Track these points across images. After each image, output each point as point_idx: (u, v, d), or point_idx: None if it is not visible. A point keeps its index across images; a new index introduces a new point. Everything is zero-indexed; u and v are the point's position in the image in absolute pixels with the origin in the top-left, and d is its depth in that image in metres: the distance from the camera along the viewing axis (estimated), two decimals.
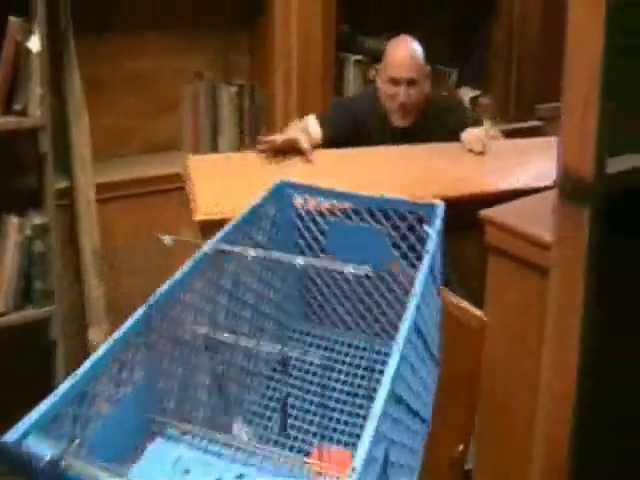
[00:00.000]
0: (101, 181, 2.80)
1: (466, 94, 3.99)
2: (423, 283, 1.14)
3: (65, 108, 2.69)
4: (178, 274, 1.13)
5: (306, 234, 1.50)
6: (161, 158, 3.16)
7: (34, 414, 0.85)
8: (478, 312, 1.53)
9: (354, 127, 2.85)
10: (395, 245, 1.41)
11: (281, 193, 1.50)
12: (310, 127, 2.82)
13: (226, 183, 2.50)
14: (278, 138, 2.71)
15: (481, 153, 2.77)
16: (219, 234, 1.25)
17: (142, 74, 3.15)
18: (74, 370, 0.94)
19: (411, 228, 1.41)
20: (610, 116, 1.07)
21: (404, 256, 1.42)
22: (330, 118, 2.88)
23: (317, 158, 2.68)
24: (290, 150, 2.67)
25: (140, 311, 1.05)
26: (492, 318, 1.64)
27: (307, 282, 1.54)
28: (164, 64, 3.20)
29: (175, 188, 2.73)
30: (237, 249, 1.13)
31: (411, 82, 2.80)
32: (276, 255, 1.12)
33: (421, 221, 1.40)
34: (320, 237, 1.48)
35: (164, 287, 1.10)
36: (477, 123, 3.02)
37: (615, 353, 1.19)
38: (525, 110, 4.17)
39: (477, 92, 4.03)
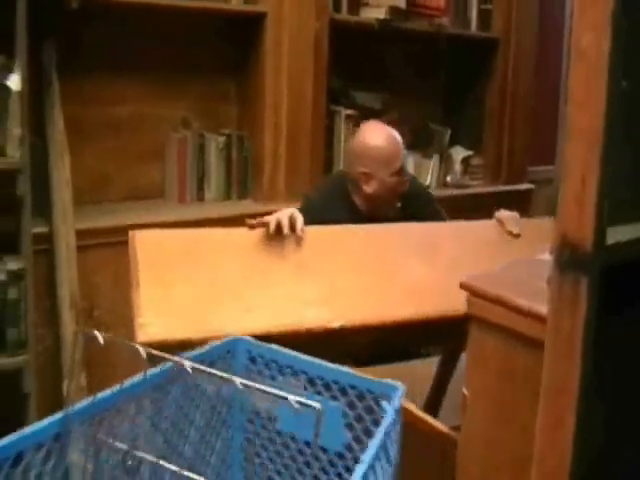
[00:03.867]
0: (80, 227, 2.73)
1: (458, 154, 3.99)
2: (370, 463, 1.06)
3: (46, 150, 2.64)
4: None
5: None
6: (143, 206, 3.11)
7: None
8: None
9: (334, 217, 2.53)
10: (349, 425, 1.33)
11: (234, 348, 1.44)
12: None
13: (182, 281, 1.98)
14: (272, 221, 2.20)
15: (518, 236, 2.56)
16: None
17: (126, 119, 3.12)
18: None
19: (369, 410, 1.32)
20: (611, 183, 1.02)
21: (357, 439, 1.33)
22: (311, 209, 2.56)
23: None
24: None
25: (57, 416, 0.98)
26: (474, 390, 1.58)
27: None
28: (149, 110, 3.18)
29: None
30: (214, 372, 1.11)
31: (402, 169, 2.64)
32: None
33: (378, 403, 1.33)
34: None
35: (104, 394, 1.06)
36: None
37: (611, 426, 1.14)
38: (517, 172, 4.17)
39: (469, 152, 4.02)
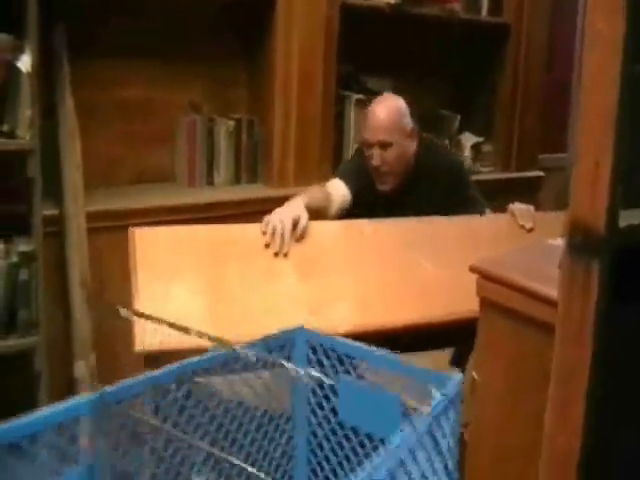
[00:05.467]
0: (91, 209, 2.73)
1: (468, 140, 3.98)
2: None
3: (57, 132, 2.63)
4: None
5: (317, 389, 1.42)
6: (153, 189, 3.11)
7: None
8: None
9: (365, 186, 2.67)
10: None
11: (296, 338, 1.43)
12: (336, 190, 2.63)
13: (181, 284, 1.95)
14: (270, 226, 2.21)
15: (531, 230, 2.59)
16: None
17: (137, 102, 3.12)
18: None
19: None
20: (624, 166, 1.02)
21: None
22: (349, 173, 2.72)
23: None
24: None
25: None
26: (484, 374, 1.58)
27: None
28: (160, 94, 3.17)
29: (168, 221, 2.66)
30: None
31: (383, 145, 2.61)
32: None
33: None
34: (332, 396, 1.38)
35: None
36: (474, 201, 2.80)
37: (621, 407, 1.15)
38: (527, 160, 4.16)
39: (480, 139, 4.01)
